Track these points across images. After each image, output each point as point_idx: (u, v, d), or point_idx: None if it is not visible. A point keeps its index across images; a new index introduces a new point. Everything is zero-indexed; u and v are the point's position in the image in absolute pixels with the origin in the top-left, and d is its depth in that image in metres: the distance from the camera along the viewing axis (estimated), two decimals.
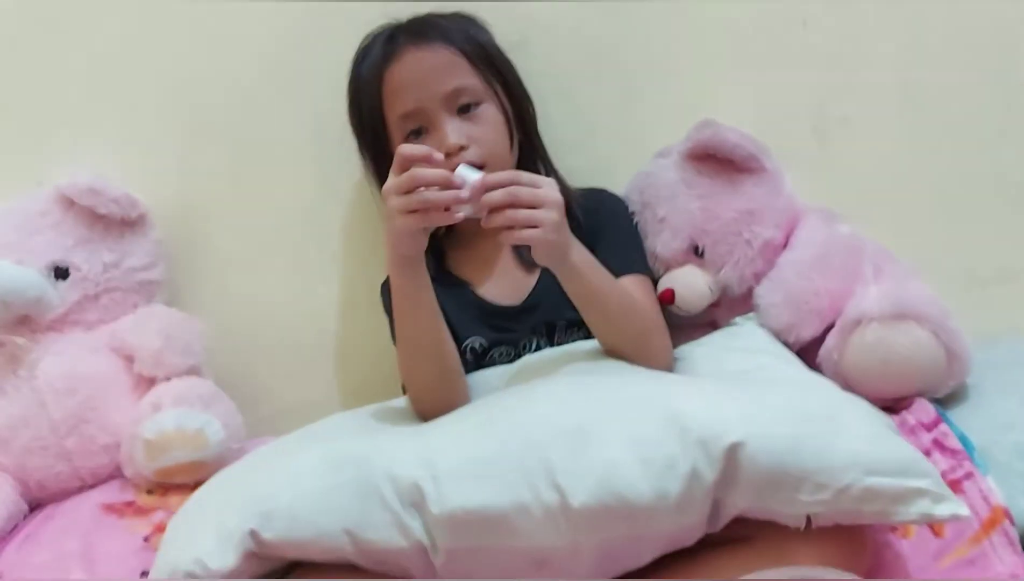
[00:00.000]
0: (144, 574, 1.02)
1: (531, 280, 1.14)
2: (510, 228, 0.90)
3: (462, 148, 1.06)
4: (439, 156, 0.92)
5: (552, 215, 0.89)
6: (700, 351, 1.02)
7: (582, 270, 0.95)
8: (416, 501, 0.82)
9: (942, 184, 1.28)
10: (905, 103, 1.28)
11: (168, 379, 1.19)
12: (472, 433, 0.86)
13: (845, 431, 0.79)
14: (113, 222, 1.25)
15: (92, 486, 1.19)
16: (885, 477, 0.76)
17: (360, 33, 1.23)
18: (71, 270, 1.22)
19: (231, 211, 1.34)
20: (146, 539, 1.08)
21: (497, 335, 1.11)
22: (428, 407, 0.99)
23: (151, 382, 1.20)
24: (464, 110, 1.09)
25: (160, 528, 1.08)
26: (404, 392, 1.07)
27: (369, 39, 1.17)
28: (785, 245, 1.14)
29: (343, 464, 0.86)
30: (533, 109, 1.19)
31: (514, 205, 0.89)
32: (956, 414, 1.02)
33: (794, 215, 1.15)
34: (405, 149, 0.91)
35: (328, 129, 1.28)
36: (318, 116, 1.29)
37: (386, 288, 1.11)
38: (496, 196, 0.89)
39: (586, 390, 0.88)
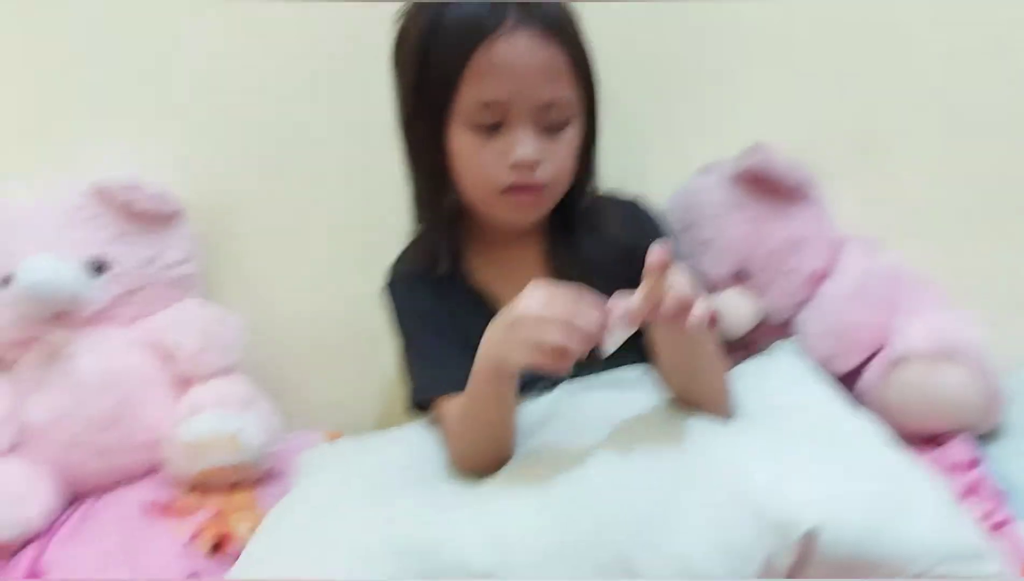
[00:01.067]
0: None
1: None
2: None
3: (534, 166, 0.98)
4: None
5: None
6: (745, 383, 1.01)
7: (703, 344, 0.91)
8: None
9: (983, 207, 1.28)
10: (948, 124, 1.28)
11: (207, 378, 1.21)
12: (542, 515, 0.84)
13: (917, 515, 0.80)
14: (149, 217, 1.24)
15: (128, 482, 1.20)
16: (956, 563, 0.77)
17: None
18: (109, 265, 1.22)
19: (264, 205, 1.34)
20: (190, 539, 1.09)
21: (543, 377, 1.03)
22: (476, 471, 0.96)
23: (189, 379, 1.21)
24: (549, 125, 0.98)
25: (202, 531, 1.10)
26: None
27: None
28: (826, 273, 1.15)
29: (409, 553, 0.84)
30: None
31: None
32: (993, 451, 1.04)
33: (837, 244, 1.16)
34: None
35: (364, 126, 1.27)
36: (354, 113, 1.29)
37: (394, 292, 1.08)
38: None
39: (657, 462, 0.86)
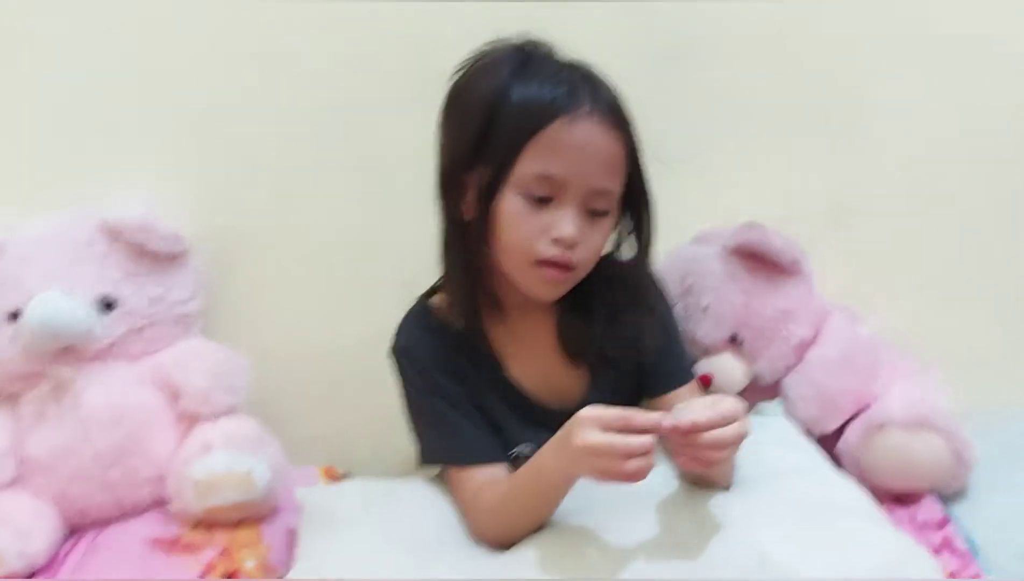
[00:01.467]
0: None
1: (581, 379, 1.11)
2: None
3: (575, 245, 1.00)
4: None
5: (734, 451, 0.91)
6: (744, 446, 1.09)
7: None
8: None
9: (944, 271, 1.39)
10: (916, 193, 1.39)
11: (213, 416, 1.23)
12: None
13: None
14: (159, 256, 1.26)
15: (131, 516, 1.21)
16: None
17: (403, 67, 1.27)
18: (117, 303, 1.24)
19: (268, 239, 1.37)
20: (200, 576, 1.12)
21: (547, 439, 1.04)
22: (502, 545, 1.00)
23: (195, 417, 1.23)
24: (594, 210, 1.00)
25: (211, 568, 1.13)
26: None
27: (550, 62, 1.02)
28: (812, 341, 1.23)
29: None
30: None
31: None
32: (959, 510, 1.14)
33: (822, 313, 1.25)
34: (667, 422, 0.89)
35: (372, 164, 1.33)
36: (362, 150, 1.33)
37: (405, 356, 1.09)
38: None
39: (681, 547, 0.93)
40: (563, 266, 1.01)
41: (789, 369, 1.23)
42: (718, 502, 0.98)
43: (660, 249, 1.22)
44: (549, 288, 1.03)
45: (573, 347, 1.10)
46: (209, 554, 1.15)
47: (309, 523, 1.13)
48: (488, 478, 1.04)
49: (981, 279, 1.41)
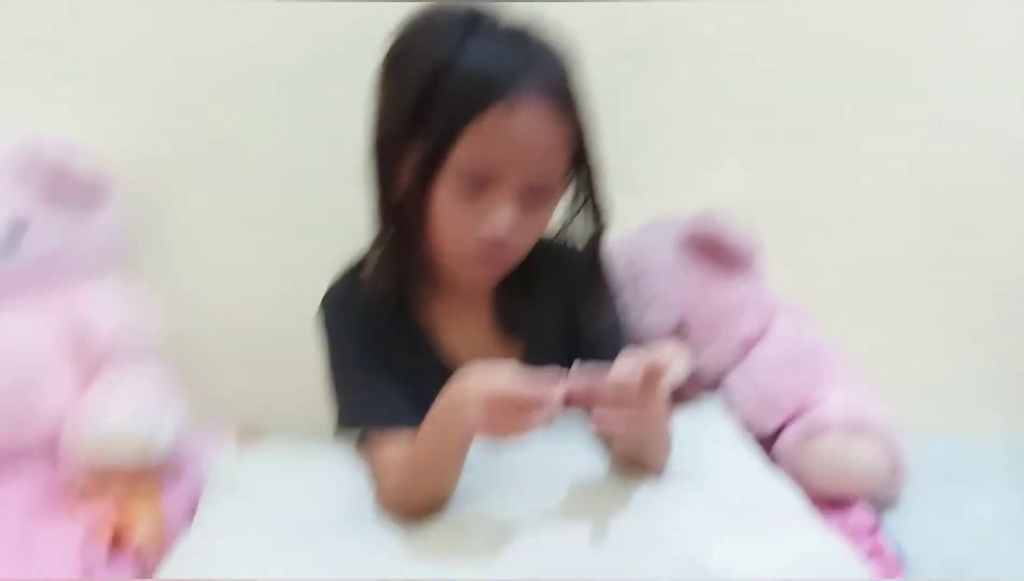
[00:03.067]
0: None
1: (516, 350, 1.07)
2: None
3: (505, 242, 0.96)
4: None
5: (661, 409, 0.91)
6: (679, 439, 1.03)
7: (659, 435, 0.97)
8: None
9: (887, 285, 1.39)
10: (870, 203, 1.39)
11: (119, 363, 1.14)
12: None
13: None
14: (78, 188, 1.18)
15: (22, 464, 1.11)
16: None
17: (347, 21, 1.22)
18: (29, 227, 1.14)
19: (198, 185, 1.30)
20: (85, 537, 1.03)
21: None
22: (408, 515, 0.95)
23: (99, 362, 1.14)
24: (533, 200, 0.96)
25: (97, 527, 1.04)
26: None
27: (495, 35, 0.95)
28: (758, 338, 1.21)
29: None
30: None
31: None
32: (889, 520, 1.13)
33: (770, 310, 1.23)
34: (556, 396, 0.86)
35: (307, 112, 1.28)
36: (298, 96, 1.28)
37: (331, 315, 1.06)
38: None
39: (611, 546, 0.89)
40: (495, 259, 0.98)
41: (733, 365, 1.20)
42: (648, 493, 0.96)
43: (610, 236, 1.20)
44: (482, 277, 1.02)
45: (509, 324, 1.07)
46: (97, 512, 1.06)
47: (213, 488, 1.07)
48: (405, 445, 0.98)
49: (928, 298, 1.41)
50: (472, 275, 1.01)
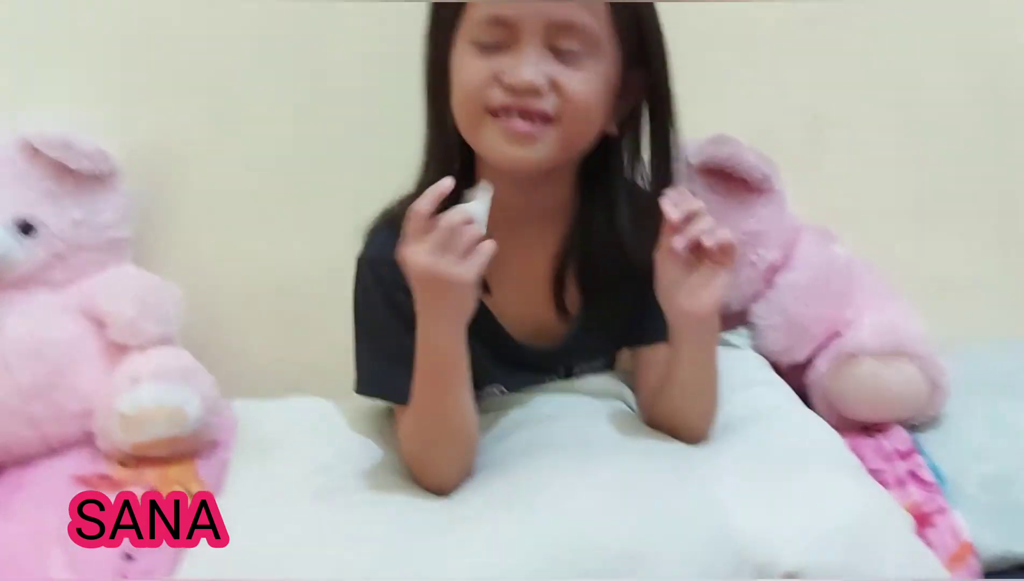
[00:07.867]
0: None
1: (567, 316, 0.98)
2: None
3: (537, 92, 0.83)
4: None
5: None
6: None
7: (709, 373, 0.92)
8: None
9: (921, 193, 1.33)
10: (898, 111, 1.32)
11: (142, 347, 1.15)
12: (517, 556, 0.79)
13: (890, 555, 0.81)
14: (83, 177, 1.17)
15: (58, 451, 1.14)
16: None
17: None
18: (38, 226, 1.15)
19: (205, 166, 1.29)
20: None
21: (521, 380, 0.98)
22: (434, 478, 0.89)
23: (123, 348, 1.15)
24: (566, 50, 0.84)
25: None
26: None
27: None
28: (782, 265, 1.16)
29: None
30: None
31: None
32: (928, 439, 1.09)
33: (793, 235, 1.17)
34: (420, 208, 0.78)
35: (310, 86, 1.25)
36: (300, 73, 1.25)
37: (368, 268, 0.95)
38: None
39: (633, 497, 0.83)
40: (529, 115, 0.84)
41: (757, 296, 1.15)
42: (681, 452, 0.92)
43: None
44: (515, 147, 0.85)
45: (580, 272, 0.97)
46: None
47: (242, 448, 1.09)
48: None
49: (961, 204, 1.35)
50: (503, 150, 0.86)
